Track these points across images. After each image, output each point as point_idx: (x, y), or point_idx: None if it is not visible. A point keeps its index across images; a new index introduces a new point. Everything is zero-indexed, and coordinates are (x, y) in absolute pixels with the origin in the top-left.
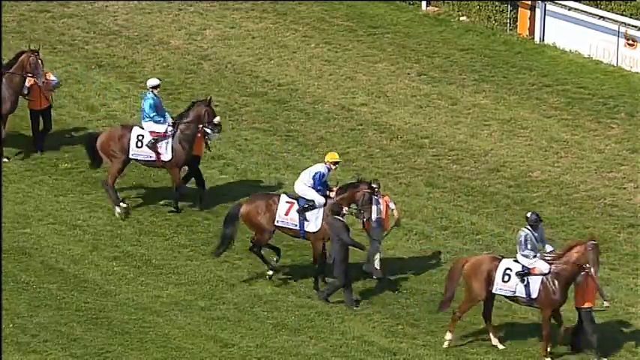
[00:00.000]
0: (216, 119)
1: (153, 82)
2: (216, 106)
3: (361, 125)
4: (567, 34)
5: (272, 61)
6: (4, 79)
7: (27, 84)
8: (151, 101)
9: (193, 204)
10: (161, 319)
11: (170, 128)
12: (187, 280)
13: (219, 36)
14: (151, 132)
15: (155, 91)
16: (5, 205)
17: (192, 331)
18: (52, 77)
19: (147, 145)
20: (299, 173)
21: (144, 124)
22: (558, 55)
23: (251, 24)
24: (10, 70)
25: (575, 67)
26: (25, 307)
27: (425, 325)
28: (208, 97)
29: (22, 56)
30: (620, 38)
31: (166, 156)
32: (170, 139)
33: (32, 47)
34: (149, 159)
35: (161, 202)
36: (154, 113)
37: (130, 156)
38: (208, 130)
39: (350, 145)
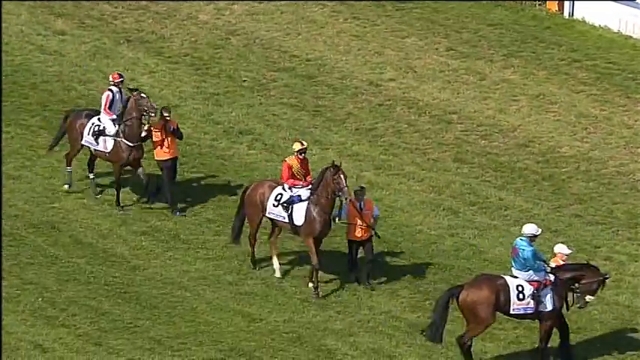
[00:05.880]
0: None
1: (532, 229)
2: (244, 81)
3: (389, 100)
4: (597, 8)
5: (300, 36)
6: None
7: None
8: (535, 250)
9: None
10: (189, 294)
11: (552, 277)
12: (215, 255)
13: (247, 11)
14: (530, 282)
15: (531, 241)
16: (34, 179)
17: (220, 305)
18: (374, 210)
19: (530, 297)
20: (327, 148)
21: (521, 273)
22: (587, 30)
23: None
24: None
25: (604, 42)
26: (53, 281)
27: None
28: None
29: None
30: None
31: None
32: (551, 289)
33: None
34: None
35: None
36: (540, 262)
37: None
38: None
39: (378, 120)
